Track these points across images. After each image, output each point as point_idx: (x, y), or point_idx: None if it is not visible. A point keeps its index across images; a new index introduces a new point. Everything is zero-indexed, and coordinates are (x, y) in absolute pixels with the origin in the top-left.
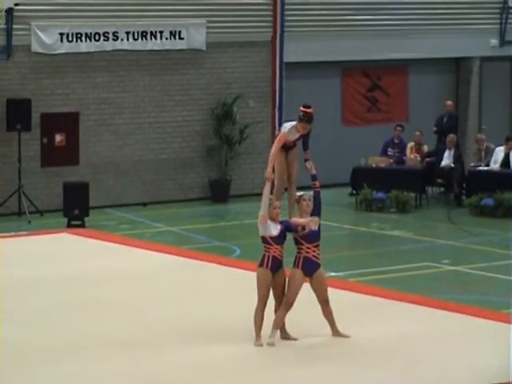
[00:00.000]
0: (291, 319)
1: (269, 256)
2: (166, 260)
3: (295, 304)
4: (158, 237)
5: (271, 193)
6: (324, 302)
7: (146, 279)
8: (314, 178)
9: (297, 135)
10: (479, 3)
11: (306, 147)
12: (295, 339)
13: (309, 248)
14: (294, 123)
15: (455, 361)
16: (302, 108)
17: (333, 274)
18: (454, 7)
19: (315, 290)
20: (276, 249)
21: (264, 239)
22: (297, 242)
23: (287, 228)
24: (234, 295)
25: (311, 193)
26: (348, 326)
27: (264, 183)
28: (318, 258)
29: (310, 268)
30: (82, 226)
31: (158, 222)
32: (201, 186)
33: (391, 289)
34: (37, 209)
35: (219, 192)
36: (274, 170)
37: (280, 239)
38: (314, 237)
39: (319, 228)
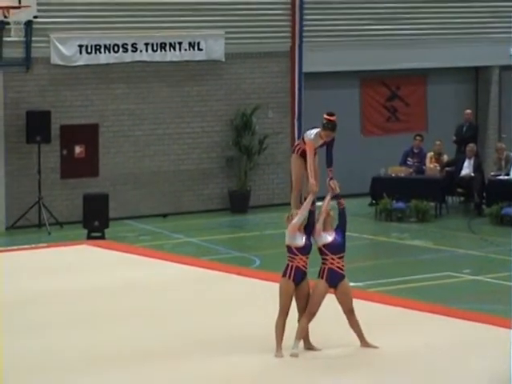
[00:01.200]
0: (315, 329)
1: (292, 266)
2: (185, 271)
3: (319, 314)
4: (177, 248)
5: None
6: (349, 312)
7: (165, 290)
8: (338, 196)
9: (320, 142)
10: (498, 12)
11: (329, 163)
12: (319, 350)
13: (333, 259)
14: (317, 130)
15: (476, 371)
16: (325, 116)
17: (353, 284)
18: (473, 16)
19: (340, 301)
20: (300, 259)
21: (289, 249)
22: (321, 253)
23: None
24: (254, 306)
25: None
26: (368, 336)
27: (306, 195)
28: (342, 270)
29: (334, 279)
30: (102, 237)
31: (177, 233)
32: (220, 197)
33: (411, 298)
34: (57, 220)
35: (239, 203)
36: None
37: (305, 250)
38: (338, 248)
39: (344, 240)
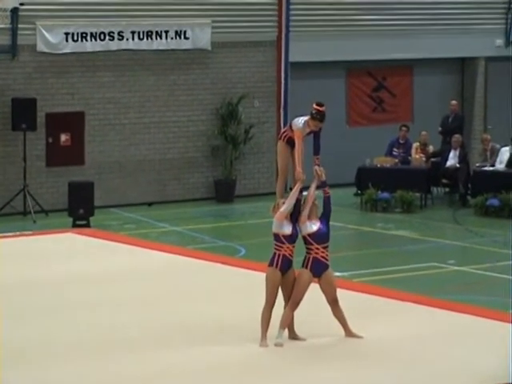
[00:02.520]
0: (299, 319)
1: (279, 255)
2: (170, 260)
3: (303, 304)
4: (162, 237)
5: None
6: (333, 302)
7: (150, 279)
8: (323, 184)
9: (307, 130)
10: (484, 3)
11: (317, 151)
12: (303, 339)
13: (318, 249)
14: (305, 118)
15: (460, 361)
16: (315, 106)
17: (337, 273)
18: (459, 7)
19: (324, 291)
20: (288, 248)
21: (276, 237)
22: (306, 243)
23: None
24: (239, 295)
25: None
26: (353, 326)
27: (293, 183)
28: (326, 259)
29: (318, 268)
30: (87, 225)
31: (162, 221)
32: (206, 186)
33: (396, 289)
34: (42, 208)
35: (224, 192)
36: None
37: (292, 238)
38: (323, 237)
39: (329, 229)
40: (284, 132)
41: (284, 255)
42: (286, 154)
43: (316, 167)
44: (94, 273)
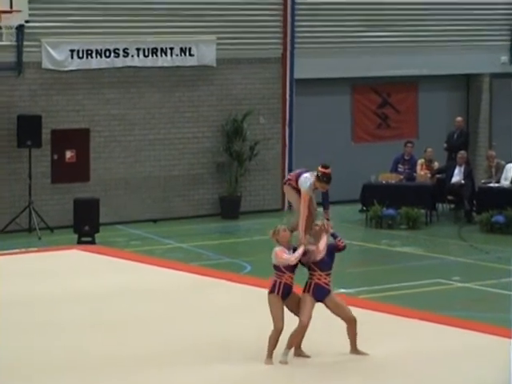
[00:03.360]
0: (305, 337)
1: (280, 282)
2: (176, 277)
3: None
4: (168, 253)
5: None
6: (349, 320)
7: (155, 296)
8: (334, 235)
9: (313, 190)
10: (489, 20)
11: (326, 206)
12: (308, 356)
13: (320, 275)
14: (312, 179)
15: (465, 377)
16: (320, 168)
17: (343, 290)
18: (464, 24)
19: (336, 314)
20: (288, 276)
21: (277, 268)
22: (309, 268)
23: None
24: (245, 312)
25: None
26: (358, 342)
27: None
28: (328, 285)
29: (320, 294)
30: (93, 242)
31: (168, 238)
32: (211, 203)
33: (401, 305)
34: (47, 225)
35: (229, 208)
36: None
37: (292, 268)
38: (327, 266)
39: (333, 258)
40: (288, 180)
41: (285, 283)
42: (296, 194)
43: (325, 221)
44: (99, 290)
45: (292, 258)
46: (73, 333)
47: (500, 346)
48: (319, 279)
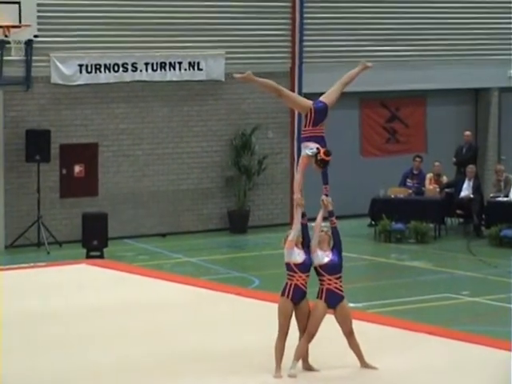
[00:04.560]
0: (314, 350)
1: (291, 284)
2: (184, 291)
3: (318, 334)
4: (176, 267)
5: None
6: (349, 334)
7: (164, 310)
8: (331, 214)
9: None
10: (497, 34)
11: (325, 181)
12: (317, 370)
13: (330, 280)
14: (315, 151)
15: None
16: (322, 154)
17: (352, 304)
18: (473, 38)
19: (340, 323)
20: (300, 277)
21: (288, 266)
22: (318, 274)
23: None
24: (253, 326)
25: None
26: (367, 357)
27: (295, 209)
28: (341, 291)
29: (333, 300)
30: (101, 256)
31: (176, 252)
32: (219, 217)
33: (410, 320)
34: (56, 240)
35: (238, 223)
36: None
37: (305, 267)
38: (334, 269)
39: (341, 260)
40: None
41: (296, 285)
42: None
43: (324, 197)
44: (108, 304)
45: (293, 228)
46: (82, 347)
47: (509, 360)
48: (330, 284)
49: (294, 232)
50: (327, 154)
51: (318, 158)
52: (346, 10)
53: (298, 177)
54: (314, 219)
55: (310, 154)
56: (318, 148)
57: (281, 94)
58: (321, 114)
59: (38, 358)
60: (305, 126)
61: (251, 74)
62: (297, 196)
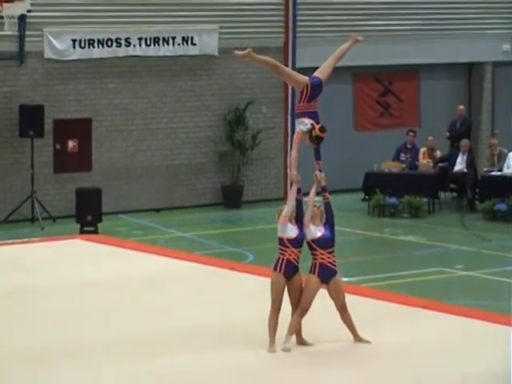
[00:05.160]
0: (307, 324)
1: (283, 259)
2: (178, 266)
3: (311, 309)
4: (170, 242)
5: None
6: (342, 308)
7: (158, 285)
8: (324, 189)
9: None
10: (491, 8)
11: (318, 156)
12: (311, 344)
13: (323, 254)
14: (309, 127)
15: (469, 366)
16: (317, 131)
17: (345, 279)
18: (466, 12)
19: (332, 297)
20: (292, 252)
21: (281, 241)
22: (311, 248)
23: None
24: (247, 301)
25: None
26: (361, 331)
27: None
28: (334, 265)
29: (326, 275)
30: (95, 232)
31: (170, 227)
32: (213, 192)
33: (404, 294)
34: (49, 215)
35: (232, 198)
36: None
37: (297, 242)
38: (326, 243)
39: (333, 235)
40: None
41: (288, 259)
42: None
43: (317, 172)
44: (102, 279)
45: (288, 204)
46: (76, 322)
47: (504, 334)
48: (323, 259)
49: (288, 207)
50: (322, 130)
51: (313, 134)
52: None
53: (293, 153)
54: (307, 194)
55: (305, 130)
56: (312, 124)
57: (279, 71)
58: (316, 89)
59: (33, 332)
60: (299, 102)
61: (252, 51)
62: (292, 172)
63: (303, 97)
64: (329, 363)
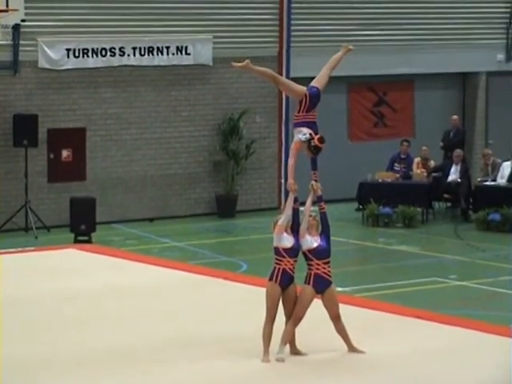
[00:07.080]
0: (301, 334)
1: (279, 269)
2: (172, 275)
3: (305, 318)
4: (164, 252)
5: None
6: (336, 318)
7: (152, 295)
8: (319, 199)
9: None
10: (485, 18)
11: (314, 167)
12: (305, 354)
13: (318, 264)
14: (308, 137)
15: (461, 376)
16: (316, 141)
17: (339, 289)
18: (461, 22)
19: (326, 307)
20: (288, 262)
21: (277, 251)
22: (306, 258)
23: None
24: (241, 310)
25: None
26: (354, 341)
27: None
28: (329, 276)
29: (321, 285)
30: (89, 241)
31: (164, 237)
32: (207, 202)
33: (398, 304)
34: (44, 224)
35: (226, 207)
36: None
37: (293, 252)
38: (322, 253)
39: (329, 245)
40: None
41: (284, 269)
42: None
43: (313, 182)
44: (96, 289)
45: (284, 213)
46: (69, 332)
47: (497, 344)
48: (318, 269)
49: (285, 217)
50: (321, 140)
51: (312, 144)
52: None
53: (290, 162)
54: (303, 204)
55: (304, 139)
56: (311, 134)
57: (277, 82)
58: (315, 98)
59: (27, 342)
60: (298, 112)
61: (250, 62)
62: (289, 181)
63: (302, 107)
64: (323, 373)
